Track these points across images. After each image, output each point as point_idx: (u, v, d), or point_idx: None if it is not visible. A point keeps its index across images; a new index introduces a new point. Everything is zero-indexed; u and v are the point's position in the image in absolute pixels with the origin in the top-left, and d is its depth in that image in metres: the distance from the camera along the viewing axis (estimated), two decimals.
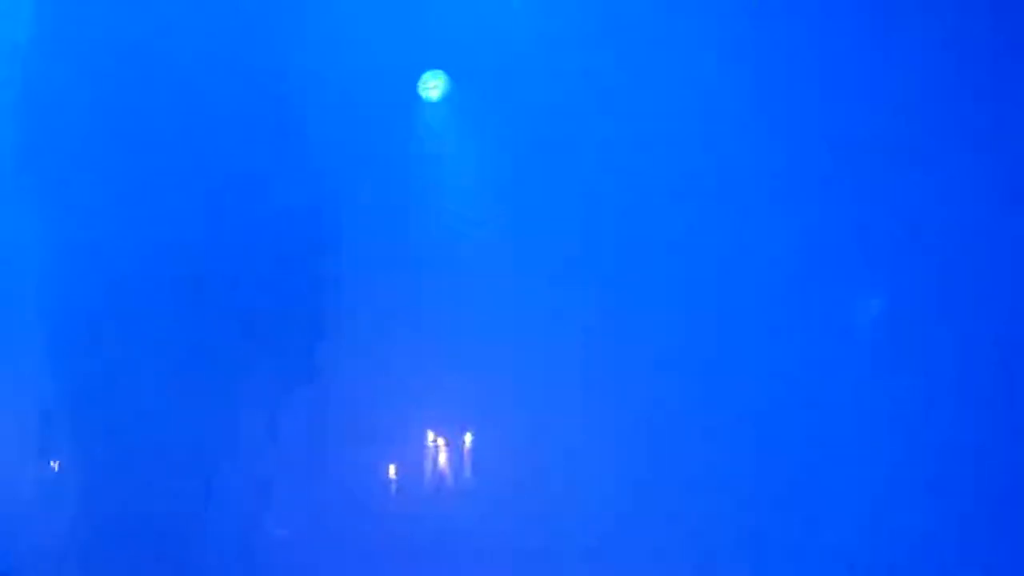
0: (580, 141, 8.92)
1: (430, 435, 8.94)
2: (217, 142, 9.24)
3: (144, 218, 9.20)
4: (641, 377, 8.63)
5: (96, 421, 9.04)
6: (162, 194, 9.23)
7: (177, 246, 9.16)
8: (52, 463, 9.15)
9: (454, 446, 8.93)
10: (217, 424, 9.08)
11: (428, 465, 8.95)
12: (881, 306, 8.46)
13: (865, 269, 8.54)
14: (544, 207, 8.98)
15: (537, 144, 8.99)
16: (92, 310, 9.13)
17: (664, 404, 8.58)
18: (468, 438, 8.89)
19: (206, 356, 9.10)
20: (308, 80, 9.20)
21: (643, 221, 8.82)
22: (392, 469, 8.97)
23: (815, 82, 8.55)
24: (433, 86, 9.17)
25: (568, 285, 8.87)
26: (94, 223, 9.18)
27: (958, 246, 8.31)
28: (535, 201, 8.99)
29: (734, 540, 8.37)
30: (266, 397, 9.08)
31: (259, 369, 9.10)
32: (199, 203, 9.22)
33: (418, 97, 9.16)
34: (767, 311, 8.55)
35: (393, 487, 8.97)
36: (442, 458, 8.91)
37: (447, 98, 9.16)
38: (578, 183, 8.94)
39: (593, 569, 8.58)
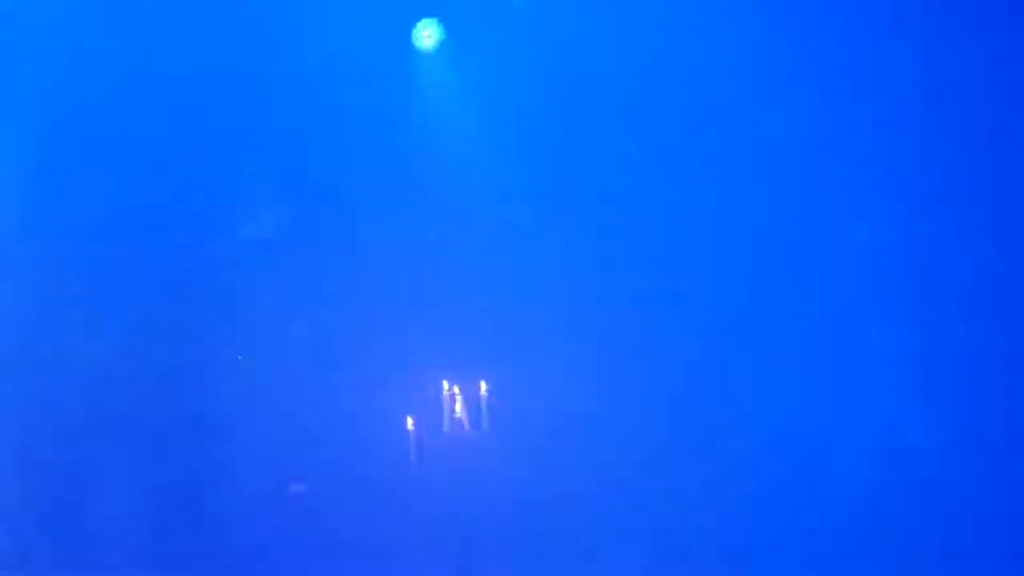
0: (576, 89, 9.00)
1: (445, 384, 8.92)
2: (205, 96, 9.06)
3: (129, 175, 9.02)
4: (658, 326, 8.80)
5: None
6: (146, 149, 9.04)
7: (172, 195, 8.99)
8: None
9: (469, 395, 8.94)
10: (229, 381, 8.94)
11: (444, 414, 8.94)
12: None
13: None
14: (541, 155, 9.04)
15: (532, 92, 9.04)
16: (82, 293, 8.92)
17: (683, 355, 8.74)
18: (483, 387, 8.90)
19: (214, 314, 8.95)
20: (299, 30, 9.06)
21: (646, 162, 8.97)
22: (408, 420, 8.92)
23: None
24: (427, 35, 9.11)
25: (573, 232, 8.97)
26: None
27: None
28: (531, 149, 9.05)
29: (754, 485, 8.55)
30: (280, 353, 8.98)
31: (272, 324, 8.99)
32: (192, 156, 9.04)
33: (412, 46, 9.11)
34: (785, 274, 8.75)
35: (410, 438, 8.92)
36: (458, 407, 8.92)
37: (441, 47, 9.11)
38: (575, 131, 9.02)
39: (609, 521, 8.72)
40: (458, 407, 8.91)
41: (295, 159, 9.16)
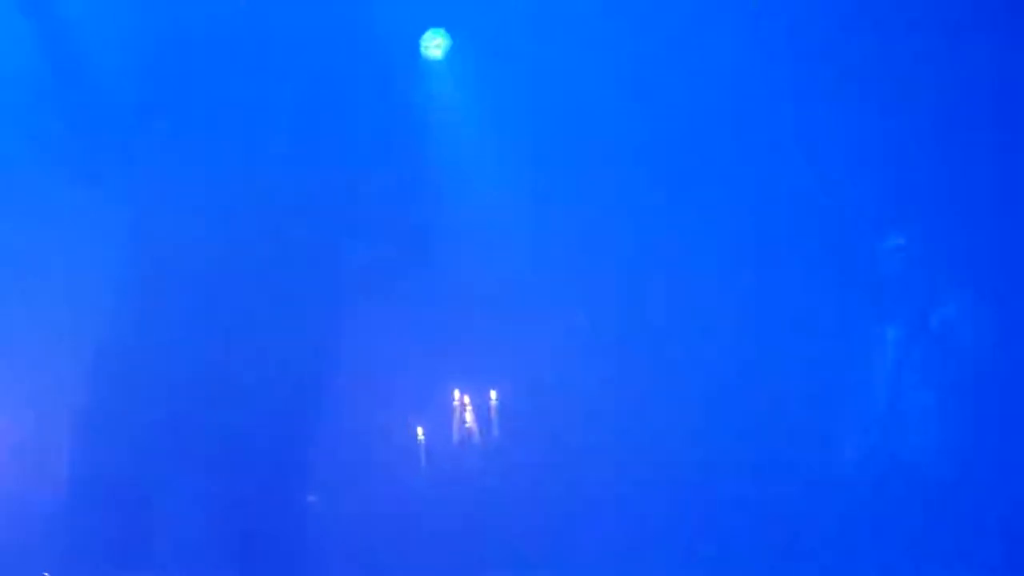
0: (586, 99, 9.06)
1: (455, 394, 9.06)
2: (208, 107, 9.03)
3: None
4: (673, 334, 9.02)
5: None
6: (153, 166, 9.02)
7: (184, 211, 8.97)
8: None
9: (479, 405, 9.08)
10: (239, 390, 8.99)
11: (454, 424, 9.08)
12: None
13: None
14: (550, 163, 9.13)
15: (542, 103, 9.09)
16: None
17: (698, 362, 8.97)
18: (494, 395, 9.04)
19: (225, 322, 8.96)
20: (303, 40, 9.01)
21: (658, 168, 9.12)
22: (418, 430, 9.06)
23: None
24: (435, 45, 9.13)
25: (584, 239, 9.09)
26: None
27: None
28: (540, 158, 9.13)
29: (774, 488, 8.78)
30: (287, 361, 9.03)
31: (277, 333, 9.03)
32: (199, 173, 9.02)
33: (420, 56, 9.13)
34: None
35: (419, 448, 9.07)
36: (468, 417, 9.06)
37: (449, 57, 9.14)
38: (585, 139, 9.10)
39: (620, 529, 8.93)
40: (468, 416, 9.06)
41: (300, 169, 9.16)
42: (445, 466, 9.08)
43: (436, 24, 9.14)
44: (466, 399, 9.07)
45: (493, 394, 9.09)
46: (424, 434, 9.06)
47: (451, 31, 9.14)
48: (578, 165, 9.11)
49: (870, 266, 8.97)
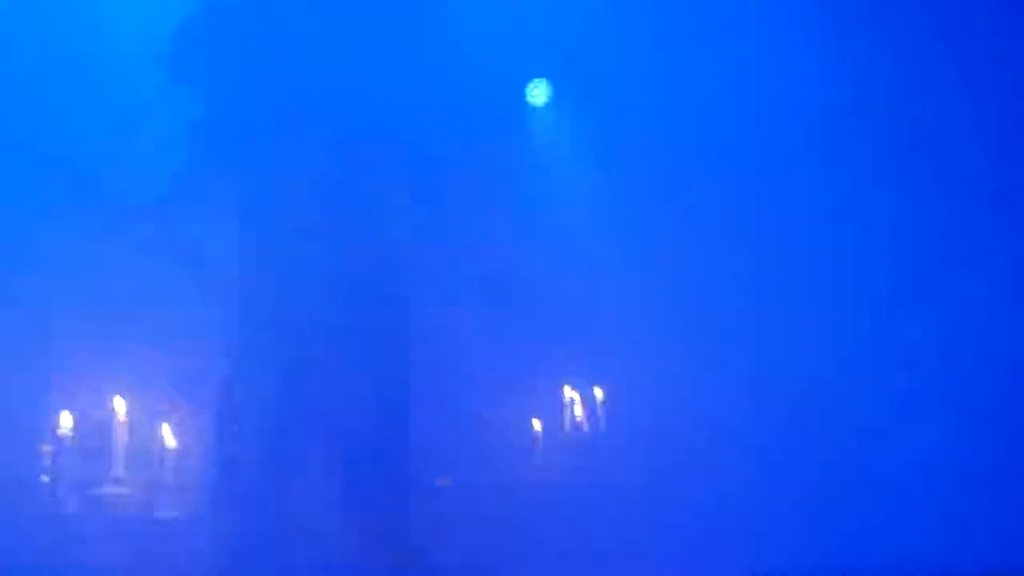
0: (683, 143, 10.17)
1: (565, 389, 10.00)
2: (323, 147, 10.07)
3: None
4: (769, 332, 9.94)
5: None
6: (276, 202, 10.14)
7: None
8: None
9: (588, 400, 10.00)
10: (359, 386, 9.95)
11: (565, 419, 9.99)
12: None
13: None
14: (644, 206, 10.18)
15: (639, 148, 10.21)
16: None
17: (796, 357, 9.83)
18: (599, 392, 9.97)
19: (354, 325, 9.96)
20: (415, 86, 10.15)
21: (748, 214, 10.15)
22: (533, 423, 9.99)
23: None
24: (538, 92, 10.40)
25: (683, 261, 10.12)
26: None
27: None
28: (636, 198, 10.19)
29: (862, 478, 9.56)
30: (403, 357, 10.05)
31: (396, 332, 10.10)
32: (317, 205, 10.10)
33: (525, 102, 10.40)
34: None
35: (531, 441, 9.97)
36: (577, 410, 9.98)
37: (552, 103, 10.37)
38: (680, 183, 10.18)
39: (716, 518, 9.63)
40: (578, 410, 9.98)
41: (426, 202, 10.29)
42: (556, 459, 9.95)
43: (540, 74, 10.39)
44: (575, 395, 10.00)
45: (599, 391, 10.01)
46: (539, 428, 9.98)
47: (553, 80, 10.38)
48: (670, 191, 10.17)
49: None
